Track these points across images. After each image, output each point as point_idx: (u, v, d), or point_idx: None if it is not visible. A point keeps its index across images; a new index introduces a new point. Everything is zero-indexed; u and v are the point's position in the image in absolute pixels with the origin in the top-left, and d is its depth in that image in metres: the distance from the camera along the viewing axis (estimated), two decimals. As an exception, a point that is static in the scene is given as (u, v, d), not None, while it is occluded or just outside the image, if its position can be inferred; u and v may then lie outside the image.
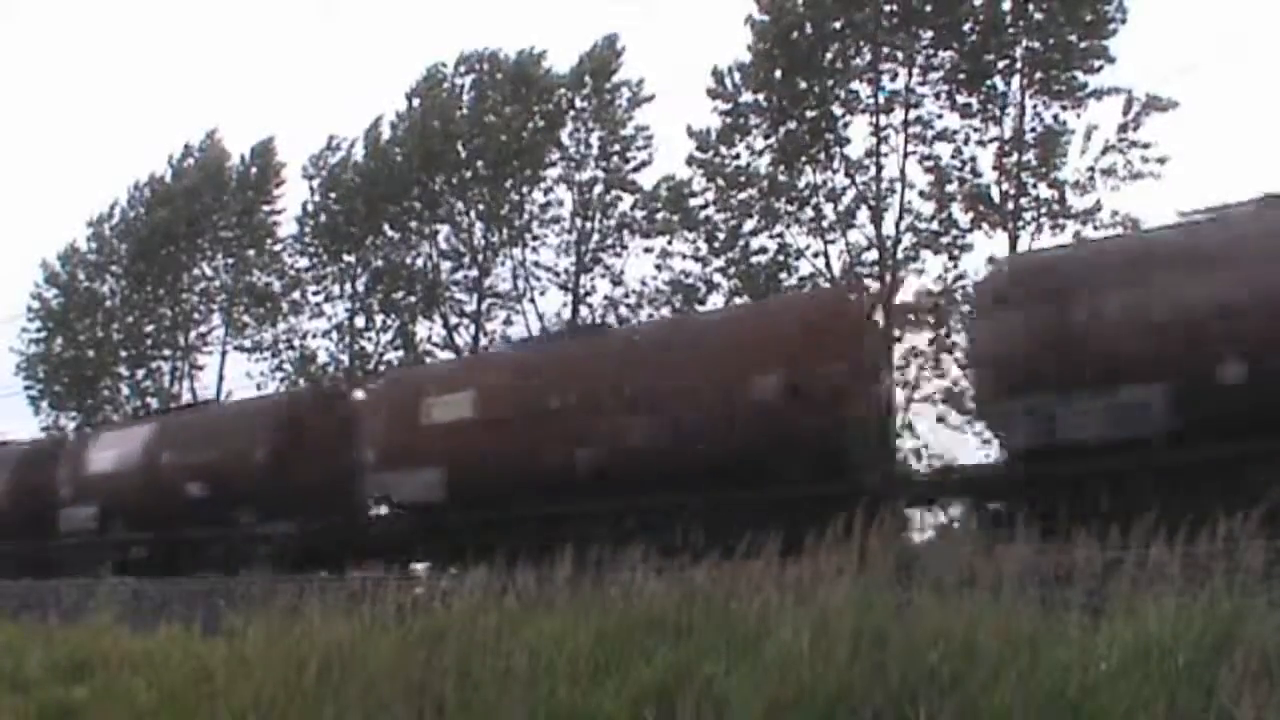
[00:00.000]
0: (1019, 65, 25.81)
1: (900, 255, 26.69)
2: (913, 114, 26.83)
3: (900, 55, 26.75)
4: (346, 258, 35.46)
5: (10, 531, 26.89)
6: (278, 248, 38.41)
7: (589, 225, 31.76)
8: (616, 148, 31.65)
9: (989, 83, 26.09)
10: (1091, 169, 25.14)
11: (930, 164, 26.72)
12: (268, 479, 21.24)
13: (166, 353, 40.51)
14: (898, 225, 26.80)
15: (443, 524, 18.42)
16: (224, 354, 39.15)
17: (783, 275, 27.76)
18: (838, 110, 27.30)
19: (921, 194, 26.78)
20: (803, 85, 27.18)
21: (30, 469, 27.83)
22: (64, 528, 25.44)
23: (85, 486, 25.36)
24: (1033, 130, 25.76)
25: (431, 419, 18.98)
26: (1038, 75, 25.68)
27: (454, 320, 33.85)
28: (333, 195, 35.60)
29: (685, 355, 16.99)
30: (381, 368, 33.92)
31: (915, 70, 26.73)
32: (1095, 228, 24.87)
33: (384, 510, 21.06)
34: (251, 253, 38.94)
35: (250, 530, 21.34)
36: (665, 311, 29.23)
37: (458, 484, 18.30)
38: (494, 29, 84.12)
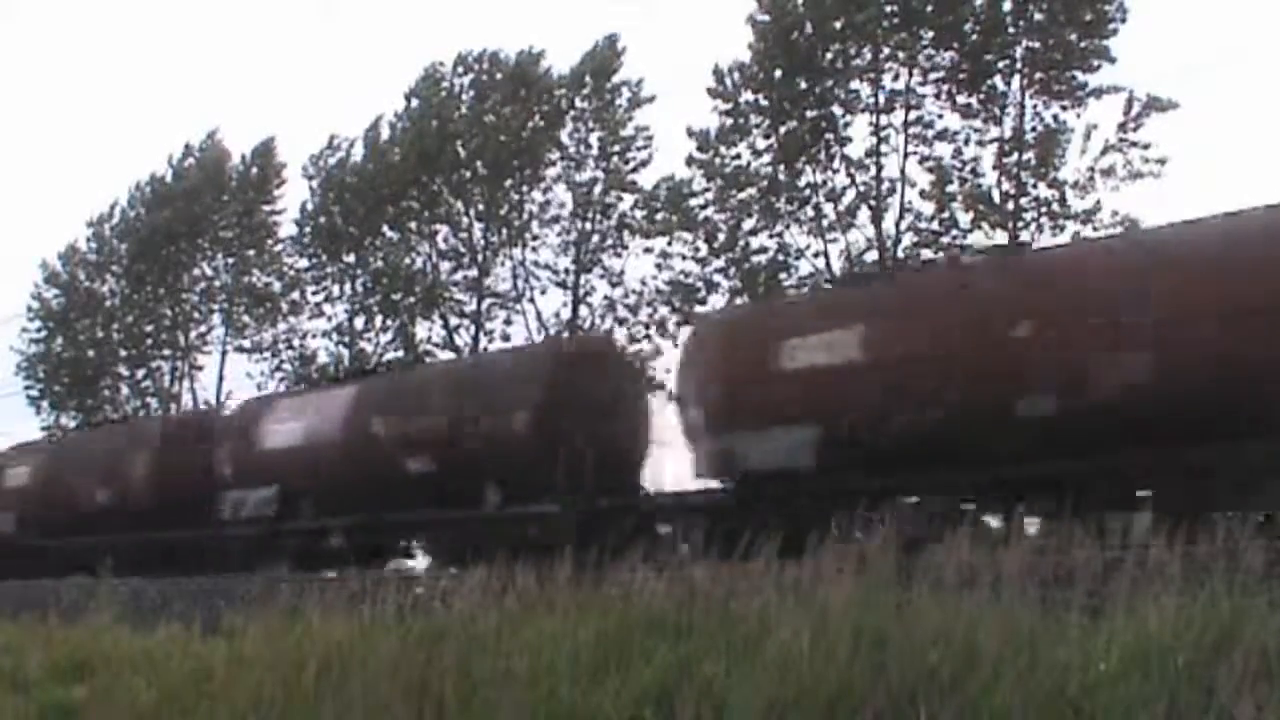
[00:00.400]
0: (1019, 65, 25.82)
1: (900, 255, 26.70)
2: (913, 114, 26.88)
3: (900, 55, 26.77)
4: (346, 258, 35.48)
5: (153, 521, 22.81)
6: (278, 248, 38.49)
7: (588, 225, 31.80)
8: (616, 148, 31.67)
9: (989, 83, 26.10)
10: (1091, 169, 25.17)
11: (931, 164, 26.77)
12: (527, 450, 17.23)
13: (166, 353, 40.49)
14: (898, 225, 26.83)
15: (811, 495, 14.27)
16: (224, 354, 39.23)
17: (782, 275, 27.78)
18: (838, 110, 27.34)
19: (922, 194, 26.84)
20: (803, 85, 27.19)
21: (179, 447, 23.88)
22: (229, 514, 21.68)
23: (259, 465, 21.30)
24: (1033, 130, 25.79)
25: (795, 363, 15.04)
26: (1038, 75, 25.68)
27: (454, 321, 33.90)
28: (331, 195, 35.62)
29: (1204, 264, 12.61)
30: (381, 368, 33.82)
31: (915, 70, 26.75)
32: (1095, 228, 24.90)
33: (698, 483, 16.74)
34: (251, 253, 38.97)
35: (503, 512, 17.42)
36: (664, 311, 29.21)
37: (837, 445, 14.41)
38: (494, 29, 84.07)
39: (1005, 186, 25.97)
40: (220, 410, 29.66)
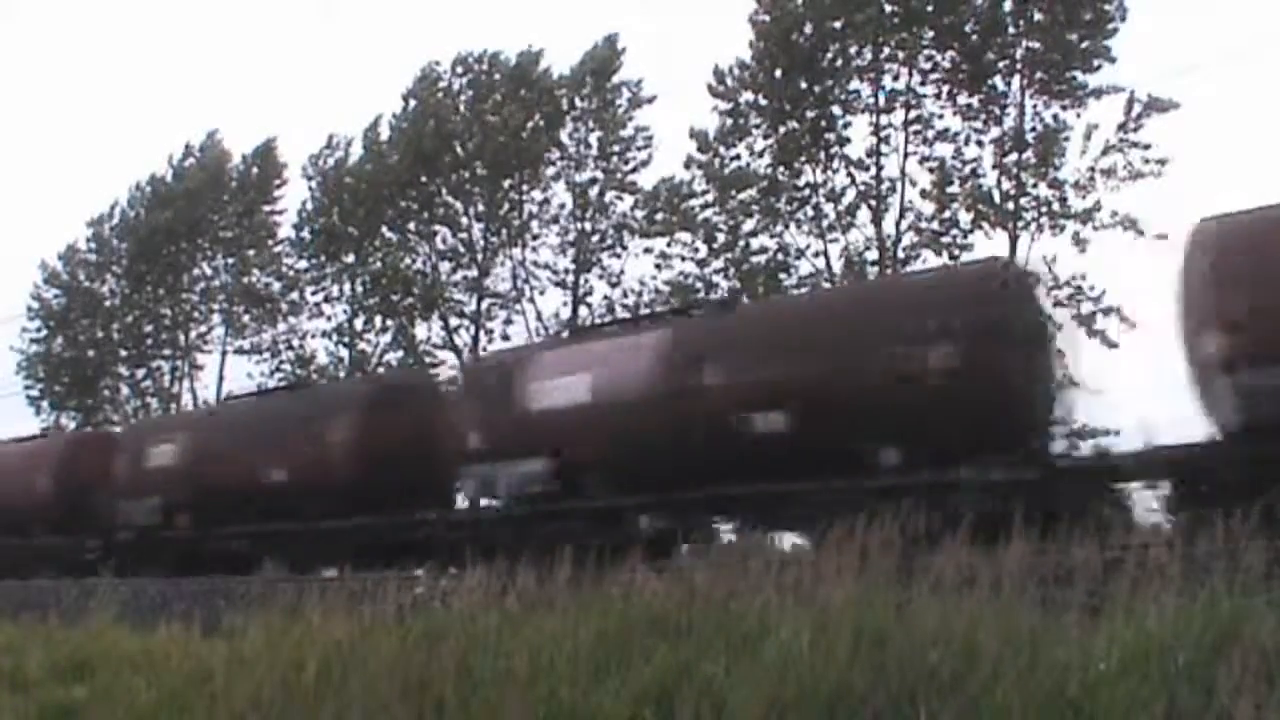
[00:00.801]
0: (1019, 65, 25.85)
1: (900, 255, 26.73)
2: (913, 114, 26.91)
3: (900, 55, 26.80)
4: (345, 259, 35.48)
5: (356, 505, 18.50)
6: (278, 248, 38.51)
7: (588, 225, 31.81)
8: (616, 148, 31.67)
9: (989, 83, 26.13)
10: (1091, 169, 25.19)
11: (931, 164, 26.80)
12: (946, 396, 13.22)
13: (166, 353, 40.57)
14: (898, 225, 26.89)
15: None
16: (224, 354, 39.26)
17: (782, 275, 27.78)
18: (838, 110, 27.36)
19: (923, 193, 26.86)
20: (803, 85, 27.21)
21: (393, 412, 19.36)
22: (474, 495, 18.17)
23: (520, 431, 16.89)
24: (1033, 130, 25.81)
25: None
26: (1038, 75, 25.71)
27: (454, 321, 33.90)
28: (330, 196, 35.60)
29: None
30: (381, 369, 33.78)
31: (915, 70, 26.78)
32: (1095, 228, 24.93)
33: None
34: (251, 253, 39.00)
35: (914, 479, 12.85)
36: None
37: None
38: (493, 29, 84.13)
39: (1005, 186, 26.03)
40: (454, 365, 25.47)
